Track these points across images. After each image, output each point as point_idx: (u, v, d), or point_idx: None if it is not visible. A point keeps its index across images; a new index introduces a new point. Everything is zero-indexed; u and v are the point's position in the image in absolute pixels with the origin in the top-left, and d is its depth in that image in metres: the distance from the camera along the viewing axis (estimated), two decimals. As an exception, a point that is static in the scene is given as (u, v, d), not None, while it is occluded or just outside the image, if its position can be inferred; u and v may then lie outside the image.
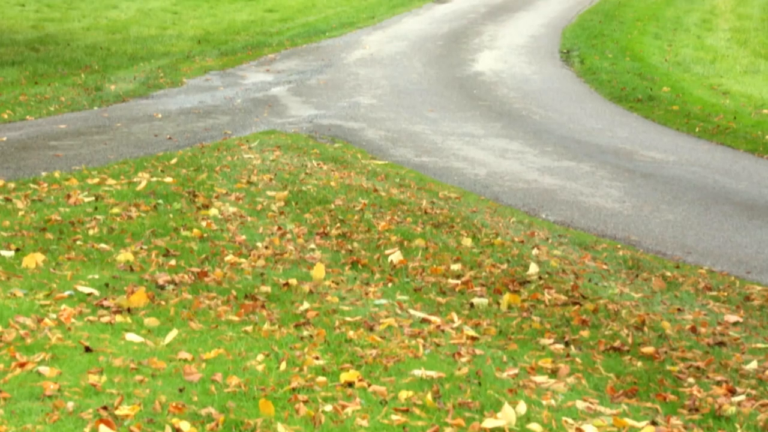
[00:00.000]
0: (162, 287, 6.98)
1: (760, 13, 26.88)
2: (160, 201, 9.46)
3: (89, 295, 6.66)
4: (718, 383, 6.13)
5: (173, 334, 6.04)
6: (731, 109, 15.92)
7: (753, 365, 6.57)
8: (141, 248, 7.89)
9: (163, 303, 6.64)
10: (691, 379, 6.19)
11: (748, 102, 16.56)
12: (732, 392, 5.97)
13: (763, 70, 19.61)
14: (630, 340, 6.81)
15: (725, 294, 8.55)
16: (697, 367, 6.43)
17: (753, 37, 23.31)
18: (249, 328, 6.24)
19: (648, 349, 6.63)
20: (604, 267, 9.03)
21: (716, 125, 14.91)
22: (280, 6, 30.97)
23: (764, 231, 10.71)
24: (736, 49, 21.92)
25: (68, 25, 26.71)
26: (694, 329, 7.27)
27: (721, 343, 7.04)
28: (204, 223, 8.75)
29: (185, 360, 5.65)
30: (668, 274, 9.00)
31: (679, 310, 7.83)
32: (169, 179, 10.38)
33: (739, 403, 5.76)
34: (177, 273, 7.31)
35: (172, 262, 7.60)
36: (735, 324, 7.63)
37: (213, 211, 9.18)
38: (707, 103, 16.40)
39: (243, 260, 7.79)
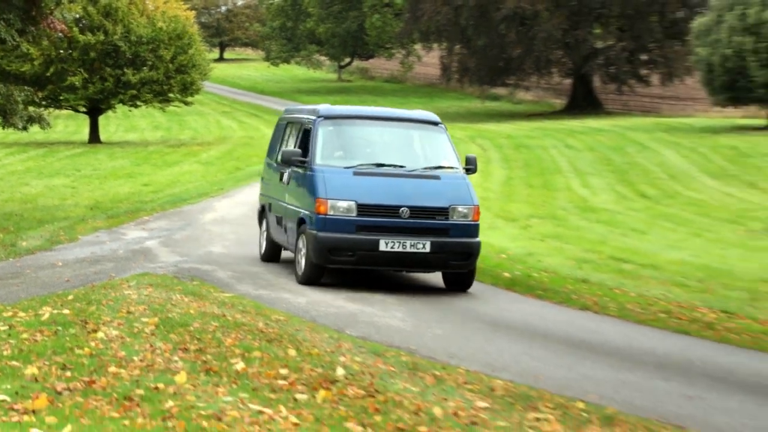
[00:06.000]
0: (60, 393, 6.74)
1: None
2: (60, 327, 9.18)
3: (2, 401, 6.40)
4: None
5: (68, 428, 5.82)
6: None
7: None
8: (44, 364, 7.62)
9: (60, 405, 6.41)
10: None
11: None
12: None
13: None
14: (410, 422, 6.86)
15: None
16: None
17: None
18: (127, 422, 6.07)
19: (422, 429, 6.70)
20: (392, 369, 9.08)
21: None
22: (153, 182, 30.89)
23: None
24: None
25: (-10, 198, 26.03)
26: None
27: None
28: (93, 344, 8.51)
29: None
30: None
31: None
32: (66, 311, 10.11)
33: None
34: (71, 382, 7.08)
35: (68, 373, 7.36)
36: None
37: (100, 335, 8.94)
38: None
39: (123, 371, 7.58)
